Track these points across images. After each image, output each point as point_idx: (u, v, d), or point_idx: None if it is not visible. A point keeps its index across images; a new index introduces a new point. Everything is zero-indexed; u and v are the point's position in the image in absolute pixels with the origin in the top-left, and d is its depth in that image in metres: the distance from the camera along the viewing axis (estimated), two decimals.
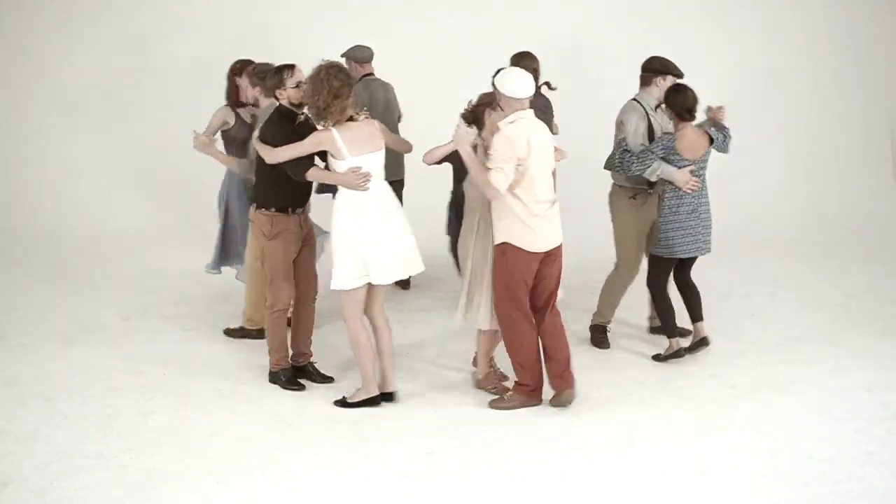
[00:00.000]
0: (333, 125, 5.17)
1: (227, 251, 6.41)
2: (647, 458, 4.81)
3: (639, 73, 6.18)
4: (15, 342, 6.36)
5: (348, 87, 5.15)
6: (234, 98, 6.33)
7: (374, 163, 5.24)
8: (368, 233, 5.19)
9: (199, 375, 5.82)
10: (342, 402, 5.41)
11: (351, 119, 5.24)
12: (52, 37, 9.17)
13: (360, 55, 7.28)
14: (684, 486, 4.54)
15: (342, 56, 7.17)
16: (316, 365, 5.80)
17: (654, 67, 6.11)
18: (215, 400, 5.49)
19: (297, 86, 5.35)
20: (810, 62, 9.54)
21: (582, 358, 5.99)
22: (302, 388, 5.62)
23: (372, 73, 7.31)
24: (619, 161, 5.98)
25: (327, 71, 5.12)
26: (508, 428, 5.15)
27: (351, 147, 5.17)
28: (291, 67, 5.42)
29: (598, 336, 6.33)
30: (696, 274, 6.03)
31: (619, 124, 6.13)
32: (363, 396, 5.39)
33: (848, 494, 4.45)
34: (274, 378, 5.67)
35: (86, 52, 9.19)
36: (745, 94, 9.53)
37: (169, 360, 6.02)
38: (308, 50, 8.52)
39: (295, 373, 5.70)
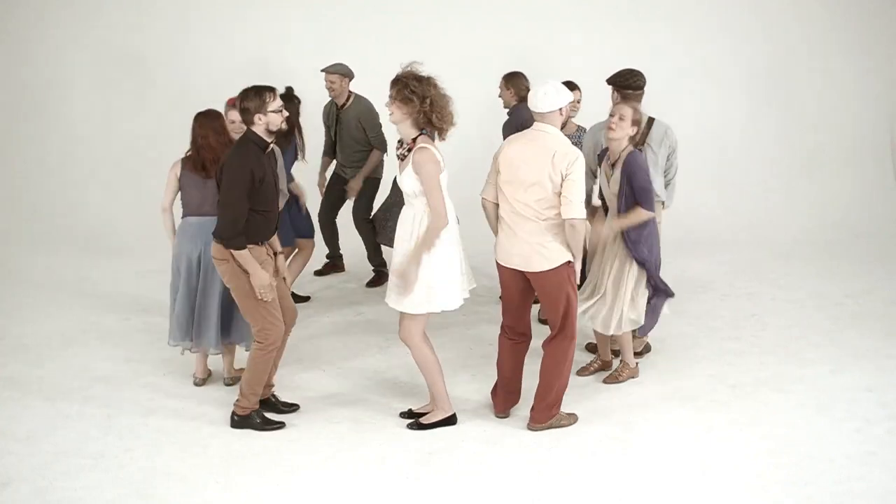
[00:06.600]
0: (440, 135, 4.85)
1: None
2: (647, 458, 4.81)
3: (649, 75, 5.98)
4: (15, 342, 6.36)
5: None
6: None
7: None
8: (459, 252, 4.95)
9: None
10: (418, 426, 5.14)
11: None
12: (52, 38, 9.18)
13: (351, 72, 7.21)
14: (684, 486, 4.54)
15: (332, 72, 7.10)
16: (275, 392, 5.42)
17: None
18: (215, 400, 5.49)
19: (279, 111, 4.86)
20: (811, 62, 9.56)
21: (583, 358, 6.03)
22: (282, 425, 5.15)
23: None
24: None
25: (418, 78, 4.74)
26: (509, 428, 5.15)
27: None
28: (272, 90, 4.88)
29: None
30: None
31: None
32: (440, 416, 5.15)
33: (848, 494, 4.45)
34: (244, 422, 5.12)
35: (84, 53, 9.20)
36: (745, 95, 9.56)
37: (169, 360, 6.02)
38: (301, 56, 8.66)
39: (260, 407, 5.21)
